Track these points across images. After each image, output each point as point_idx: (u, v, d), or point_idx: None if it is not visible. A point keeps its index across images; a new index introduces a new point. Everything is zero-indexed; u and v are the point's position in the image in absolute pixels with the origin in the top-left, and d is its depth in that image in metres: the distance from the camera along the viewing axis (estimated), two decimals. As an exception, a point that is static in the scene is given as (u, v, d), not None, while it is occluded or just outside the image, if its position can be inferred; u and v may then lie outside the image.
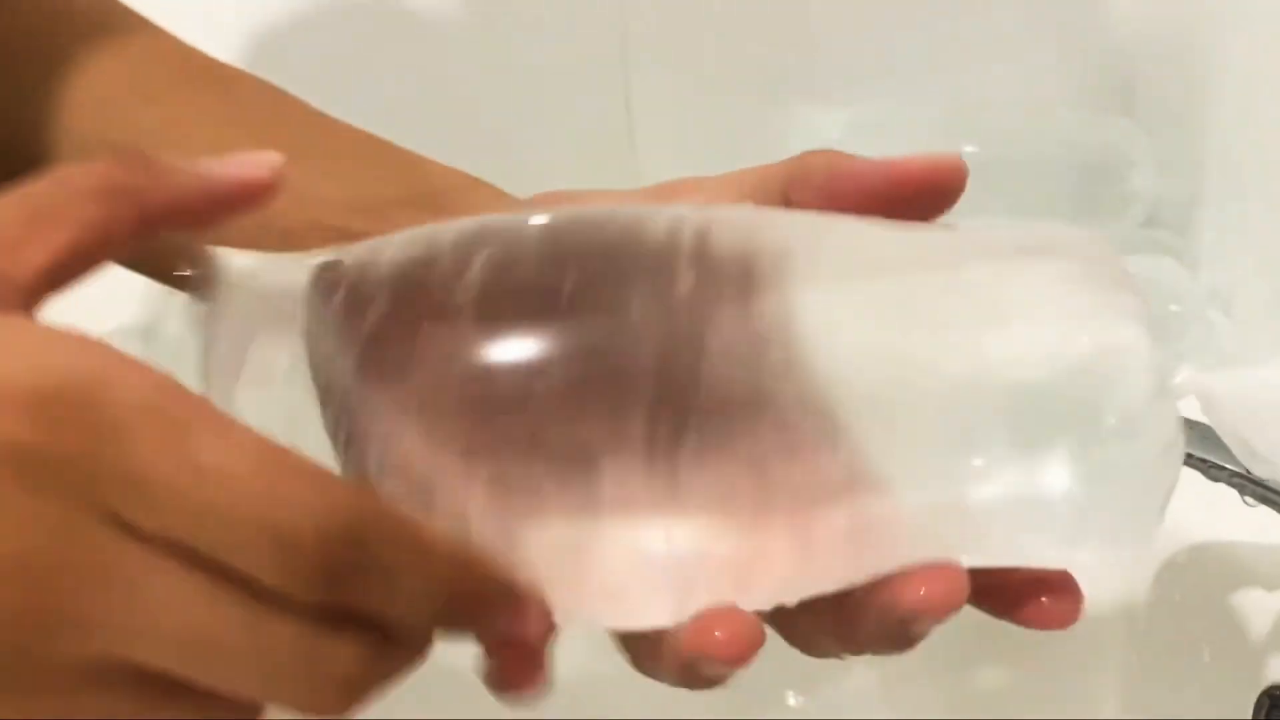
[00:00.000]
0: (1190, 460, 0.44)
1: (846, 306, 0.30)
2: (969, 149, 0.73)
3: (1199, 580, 0.51)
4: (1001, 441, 0.29)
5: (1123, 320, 0.30)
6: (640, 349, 0.29)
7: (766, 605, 0.29)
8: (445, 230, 0.30)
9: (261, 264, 0.31)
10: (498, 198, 0.39)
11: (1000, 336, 0.29)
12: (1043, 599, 0.30)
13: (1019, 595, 0.30)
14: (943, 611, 0.29)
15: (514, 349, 0.28)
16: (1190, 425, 0.43)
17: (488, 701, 0.29)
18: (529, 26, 0.75)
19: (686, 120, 0.76)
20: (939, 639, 0.30)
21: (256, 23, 0.73)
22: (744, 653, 0.28)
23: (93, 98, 0.42)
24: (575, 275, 0.29)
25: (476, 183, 0.40)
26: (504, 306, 0.29)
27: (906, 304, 0.30)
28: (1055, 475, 0.29)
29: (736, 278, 0.29)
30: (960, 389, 0.29)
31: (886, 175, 0.32)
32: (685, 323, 0.29)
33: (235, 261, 0.30)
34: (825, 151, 0.33)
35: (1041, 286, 0.30)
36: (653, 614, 0.29)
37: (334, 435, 0.29)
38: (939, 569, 0.29)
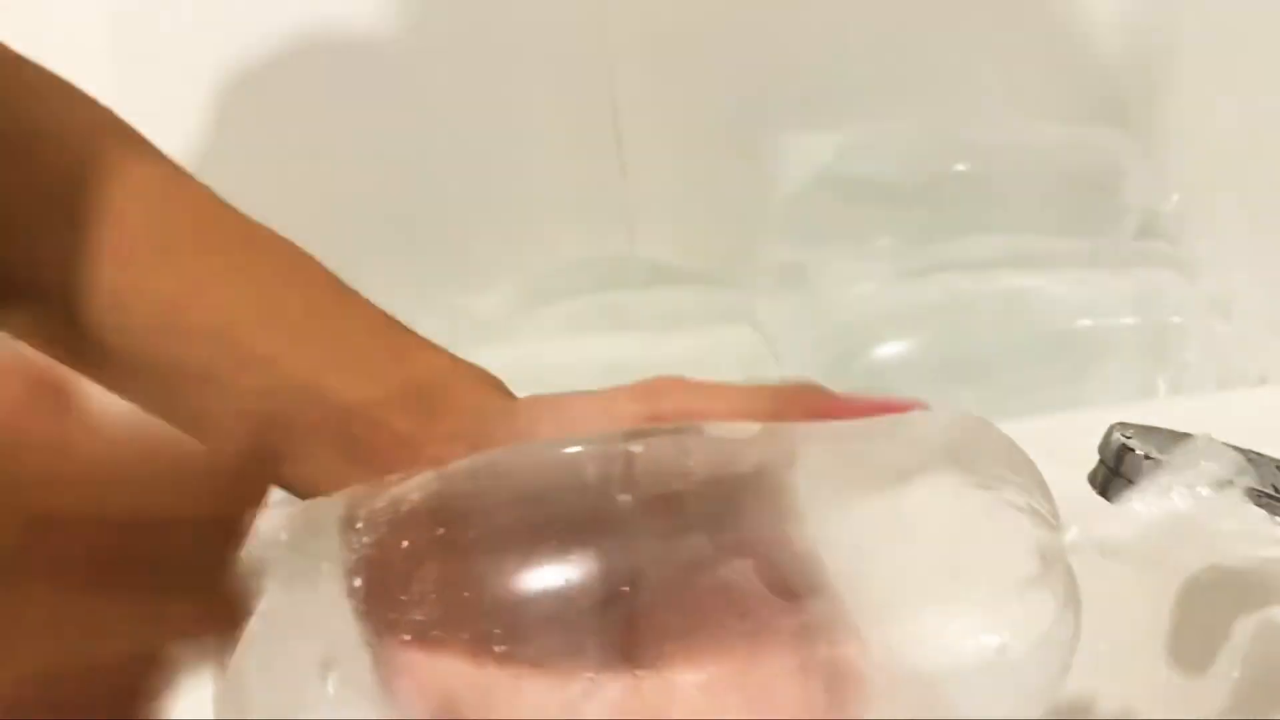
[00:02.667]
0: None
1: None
2: (959, 167, 0.73)
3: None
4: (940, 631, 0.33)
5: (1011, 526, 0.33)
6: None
7: None
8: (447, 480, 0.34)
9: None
10: (482, 394, 0.40)
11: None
12: None
13: None
14: None
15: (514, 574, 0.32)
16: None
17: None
18: (511, 49, 0.75)
19: (676, 146, 0.76)
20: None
21: (239, 48, 0.73)
22: None
23: (111, 246, 0.42)
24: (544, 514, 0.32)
25: (468, 379, 0.41)
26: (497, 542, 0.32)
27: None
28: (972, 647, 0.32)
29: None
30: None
31: (859, 412, 0.35)
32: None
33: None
34: (813, 389, 0.36)
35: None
36: None
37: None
38: None
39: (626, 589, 0.31)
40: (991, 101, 0.74)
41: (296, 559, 0.32)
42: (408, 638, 0.31)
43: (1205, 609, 0.50)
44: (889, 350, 0.67)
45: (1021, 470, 0.35)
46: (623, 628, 0.31)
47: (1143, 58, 0.72)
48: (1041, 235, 0.71)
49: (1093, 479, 0.44)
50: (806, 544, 0.32)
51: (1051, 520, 0.34)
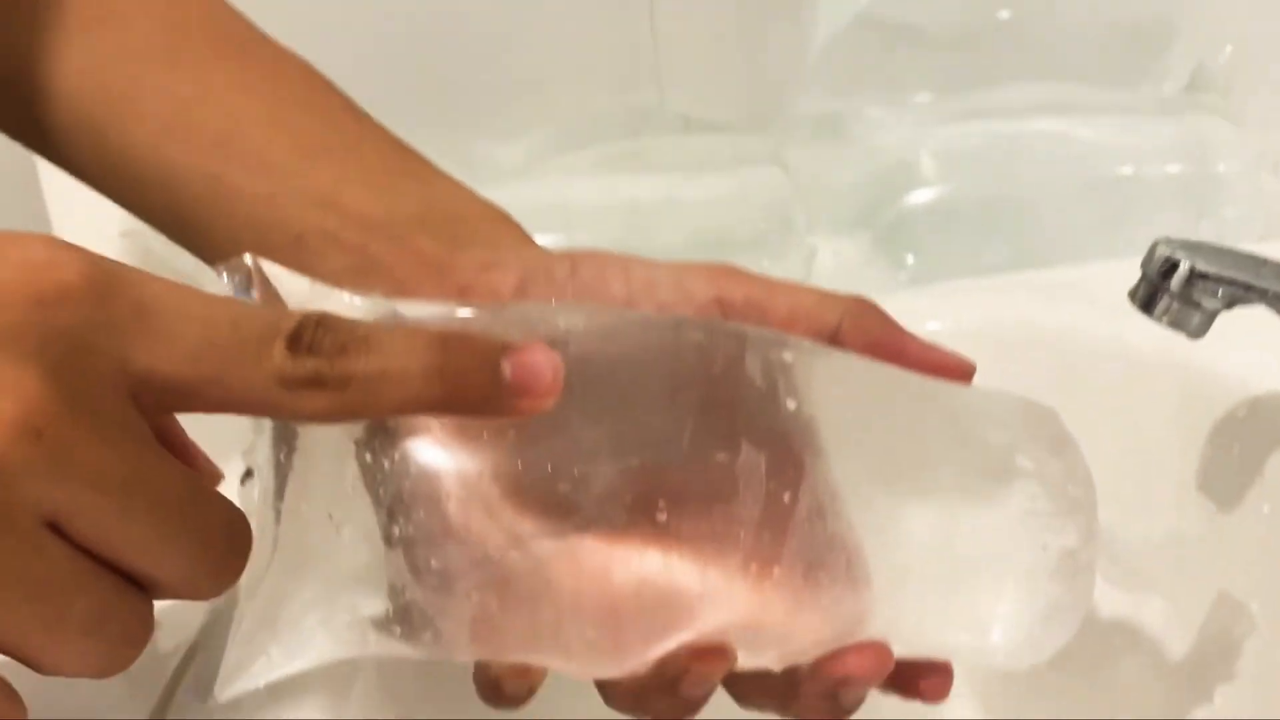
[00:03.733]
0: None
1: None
2: (1002, 14, 0.70)
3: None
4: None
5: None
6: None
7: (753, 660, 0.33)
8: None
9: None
10: (511, 232, 0.39)
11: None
12: (933, 679, 0.36)
13: (913, 675, 0.36)
14: (869, 683, 0.34)
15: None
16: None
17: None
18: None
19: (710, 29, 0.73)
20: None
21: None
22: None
23: (124, 50, 0.41)
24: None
25: (491, 213, 0.40)
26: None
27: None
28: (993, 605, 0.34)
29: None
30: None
31: (918, 356, 0.36)
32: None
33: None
34: (877, 311, 0.37)
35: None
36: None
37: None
38: (870, 647, 0.33)
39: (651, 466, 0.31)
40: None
41: None
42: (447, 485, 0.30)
43: (1235, 445, 0.49)
44: (924, 196, 0.65)
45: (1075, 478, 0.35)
46: (644, 504, 0.31)
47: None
48: (1085, 85, 0.68)
49: (1133, 294, 0.42)
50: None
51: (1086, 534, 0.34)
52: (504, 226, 0.39)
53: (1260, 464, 0.48)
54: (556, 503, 0.31)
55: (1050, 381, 0.56)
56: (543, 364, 0.29)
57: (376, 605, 0.31)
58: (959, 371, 0.36)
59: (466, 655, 0.32)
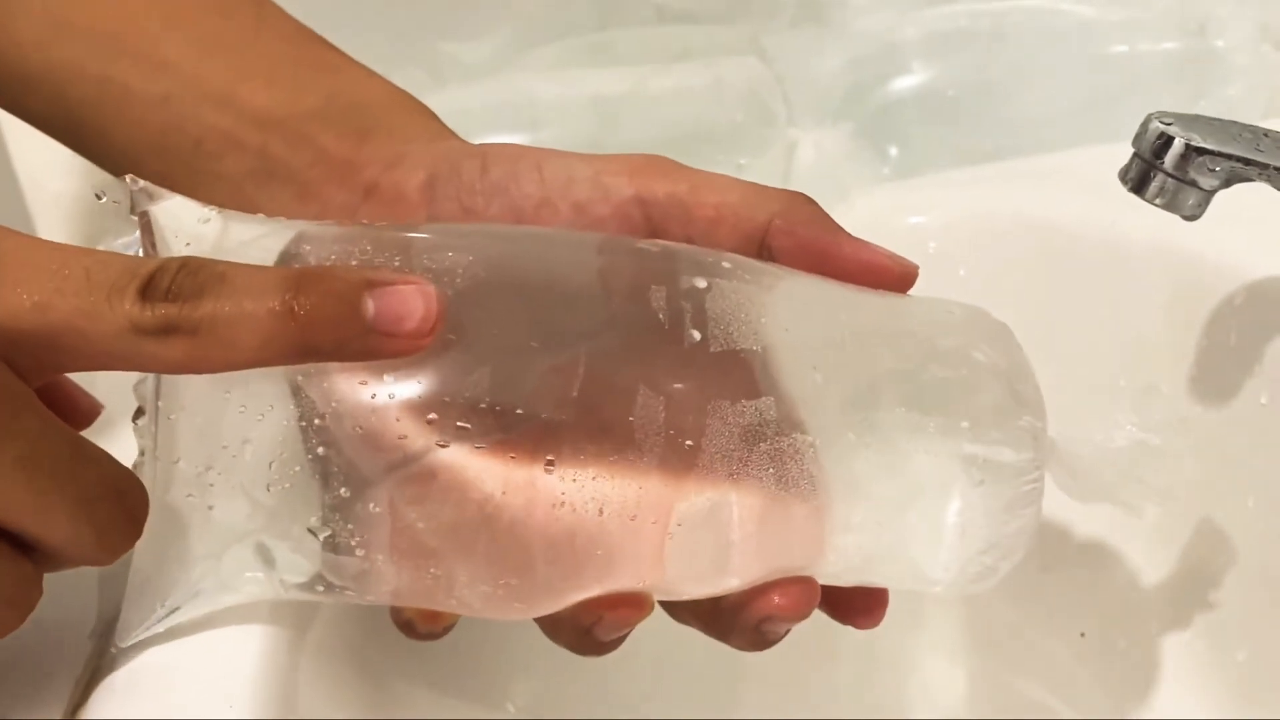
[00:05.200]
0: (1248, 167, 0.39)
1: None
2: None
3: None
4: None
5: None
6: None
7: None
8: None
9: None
10: (419, 121, 0.37)
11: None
12: (870, 608, 0.35)
13: (850, 604, 0.35)
14: (793, 621, 0.32)
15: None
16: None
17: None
18: None
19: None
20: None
21: None
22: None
23: None
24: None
25: (399, 100, 0.38)
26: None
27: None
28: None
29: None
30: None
31: (853, 257, 0.34)
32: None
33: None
34: (810, 209, 0.34)
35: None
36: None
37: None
38: (797, 584, 0.32)
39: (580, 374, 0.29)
40: None
41: None
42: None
43: (1232, 333, 0.47)
44: (908, 82, 0.62)
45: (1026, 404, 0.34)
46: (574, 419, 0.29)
47: None
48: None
49: (1124, 174, 0.39)
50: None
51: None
52: (412, 115, 0.37)
53: (1259, 353, 0.46)
54: (462, 436, 0.29)
55: (1039, 273, 0.54)
56: (411, 300, 0.27)
57: (274, 548, 0.29)
58: (897, 274, 0.34)
59: (368, 598, 0.30)
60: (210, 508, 0.29)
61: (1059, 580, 0.51)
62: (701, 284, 0.31)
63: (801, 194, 0.35)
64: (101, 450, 0.28)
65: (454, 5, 0.72)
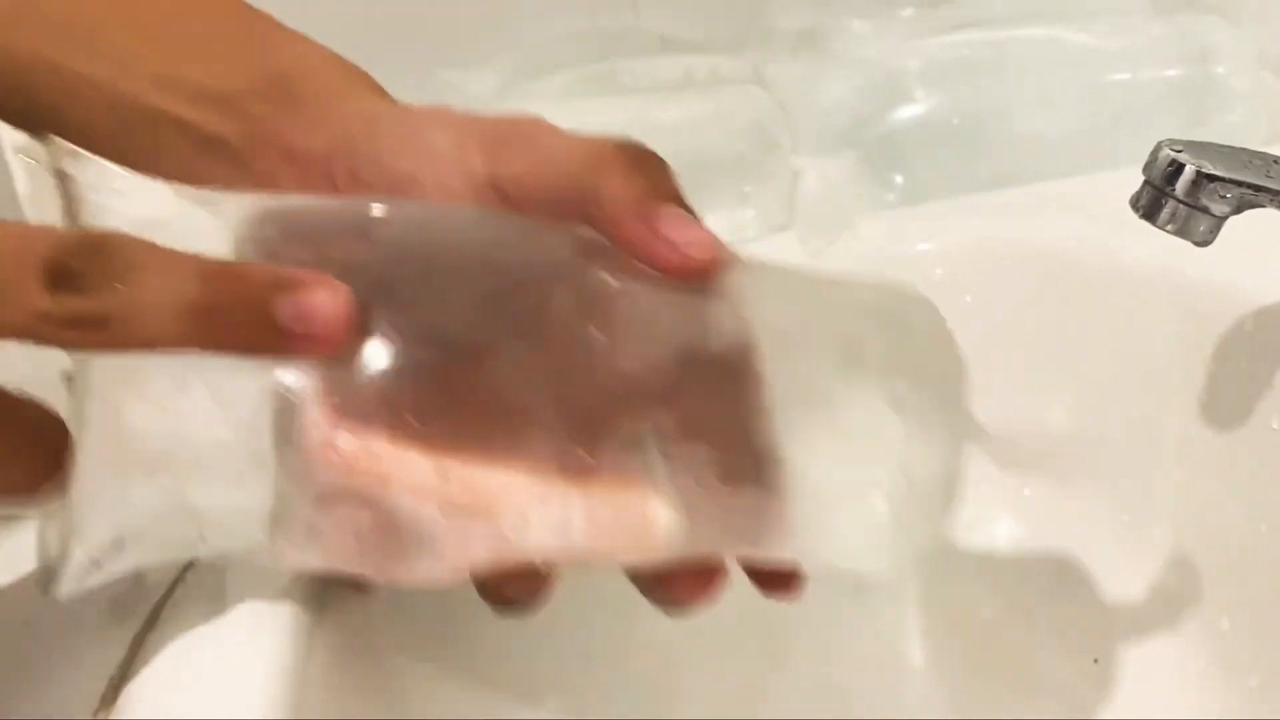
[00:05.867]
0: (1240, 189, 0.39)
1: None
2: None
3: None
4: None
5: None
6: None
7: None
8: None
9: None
10: (352, 82, 0.38)
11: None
12: (786, 583, 0.36)
13: (771, 577, 0.36)
14: (697, 608, 0.34)
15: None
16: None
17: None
18: None
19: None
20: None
21: None
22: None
23: None
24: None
25: (333, 66, 0.38)
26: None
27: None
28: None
29: None
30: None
31: (666, 254, 0.34)
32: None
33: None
34: (628, 193, 0.35)
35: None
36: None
37: None
38: (705, 574, 0.33)
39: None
40: None
41: None
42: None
43: (1242, 359, 0.47)
44: (911, 110, 0.62)
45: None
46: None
47: None
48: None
49: (1135, 201, 0.40)
50: None
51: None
52: (346, 80, 0.38)
53: (1270, 378, 0.46)
54: (370, 423, 0.29)
55: (1046, 299, 0.54)
56: (323, 306, 0.28)
57: (203, 497, 0.29)
58: (695, 266, 0.34)
59: (290, 560, 0.31)
60: (143, 448, 0.29)
61: (1070, 605, 0.51)
62: (614, 284, 0.33)
63: (649, 166, 0.35)
64: (22, 394, 0.28)
65: (457, 35, 0.72)
